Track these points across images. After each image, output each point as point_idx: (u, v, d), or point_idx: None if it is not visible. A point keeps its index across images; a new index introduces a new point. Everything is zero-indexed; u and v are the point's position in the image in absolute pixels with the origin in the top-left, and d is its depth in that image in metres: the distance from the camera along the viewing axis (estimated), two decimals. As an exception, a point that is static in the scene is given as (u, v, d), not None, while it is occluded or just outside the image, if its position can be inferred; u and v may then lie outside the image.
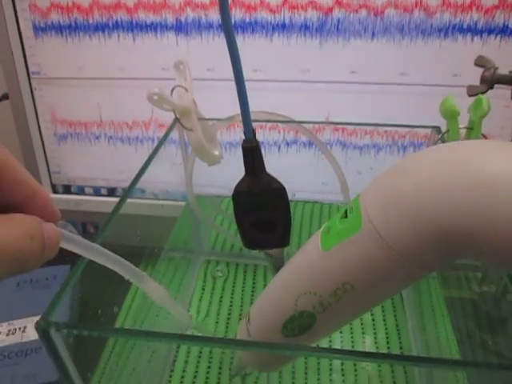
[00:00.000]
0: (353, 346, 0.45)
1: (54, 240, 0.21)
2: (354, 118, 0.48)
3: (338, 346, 0.45)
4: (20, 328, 0.46)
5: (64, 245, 0.22)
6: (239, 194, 0.31)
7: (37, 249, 0.19)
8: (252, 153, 0.30)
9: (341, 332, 0.46)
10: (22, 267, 0.19)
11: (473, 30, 0.45)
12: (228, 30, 0.26)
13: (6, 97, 0.57)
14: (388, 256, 0.21)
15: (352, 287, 0.23)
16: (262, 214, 0.31)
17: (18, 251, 0.18)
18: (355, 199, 0.23)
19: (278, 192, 0.31)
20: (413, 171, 0.21)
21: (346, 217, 0.22)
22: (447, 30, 0.45)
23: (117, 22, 0.48)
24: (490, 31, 0.45)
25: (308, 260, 0.25)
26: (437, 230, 0.20)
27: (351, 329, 0.47)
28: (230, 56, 0.27)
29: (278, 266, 0.34)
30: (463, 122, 0.38)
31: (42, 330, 0.24)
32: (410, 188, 0.20)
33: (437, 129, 0.43)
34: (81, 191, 0.58)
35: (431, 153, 0.21)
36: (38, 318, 0.46)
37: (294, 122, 0.42)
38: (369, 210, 0.21)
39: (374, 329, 0.47)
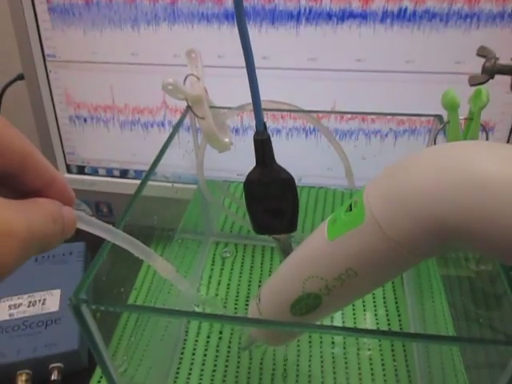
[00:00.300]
0: (355, 322, 0.48)
1: (72, 222, 0.23)
2: (360, 105, 0.49)
3: (339, 322, 0.48)
4: (40, 300, 0.49)
5: (80, 225, 0.24)
6: (250, 183, 0.33)
7: (58, 231, 0.21)
8: (263, 145, 0.32)
9: (342, 311, 0.49)
10: (45, 248, 0.20)
11: (476, 18, 0.46)
12: (242, 29, 0.28)
13: (21, 77, 0.59)
14: (388, 246, 0.23)
15: (355, 273, 0.25)
16: (272, 202, 0.33)
17: (43, 235, 0.20)
18: (359, 194, 0.25)
19: (286, 182, 0.33)
20: (412, 170, 0.22)
21: (351, 210, 0.25)
22: (450, 18, 0.46)
23: (130, 8, 0.49)
24: (493, 18, 0.46)
25: (315, 248, 0.27)
26: (434, 224, 0.22)
27: (353, 305, 0.49)
28: (244, 55, 0.29)
29: (285, 249, 0.36)
30: (464, 111, 0.40)
31: (74, 305, 0.27)
32: (410, 186, 0.22)
33: (439, 117, 0.44)
34: (94, 172, 0.60)
35: (430, 153, 0.23)
36: (56, 291, 0.50)
37: (301, 111, 0.44)
38: (371, 204, 0.23)
39: (375, 305, 0.49)
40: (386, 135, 0.51)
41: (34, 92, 0.56)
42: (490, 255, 0.23)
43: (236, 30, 0.28)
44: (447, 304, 0.43)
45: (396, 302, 0.50)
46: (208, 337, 0.46)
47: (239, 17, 0.28)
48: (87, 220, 0.25)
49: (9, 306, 0.48)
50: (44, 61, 0.54)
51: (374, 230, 0.23)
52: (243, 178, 0.34)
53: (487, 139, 0.38)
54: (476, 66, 0.38)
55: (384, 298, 0.51)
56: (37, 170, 0.21)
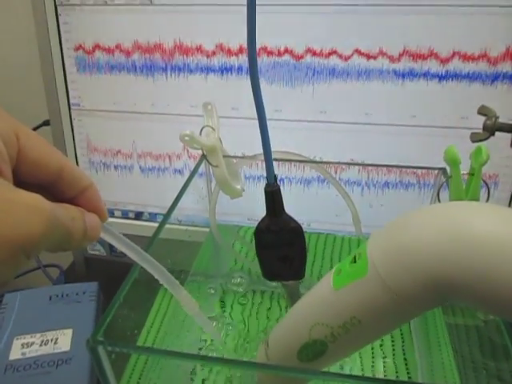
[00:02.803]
0: (362, 370, 0.47)
1: (95, 227, 0.25)
2: (367, 157, 0.51)
3: (347, 370, 0.47)
4: (52, 339, 0.49)
5: (105, 236, 0.26)
6: (261, 232, 0.35)
7: (78, 228, 0.23)
8: (273, 196, 0.34)
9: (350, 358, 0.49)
10: (65, 242, 0.23)
11: (479, 77, 0.48)
12: (256, 92, 0.30)
13: (47, 123, 0.63)
14: (390, 298, 0.24)
15: (359, 321, 0.26)
16: (281, 249, 0.35)
17: (63, 224, 0.22)
18: (363, 246, 0.26)
19: (295, 231, 0.34)
20: (411, 228, 0.24)
21: (355, 262, 0.26)
22: (456, 76, 0.48)
23: (150, 62, 0.53)
24: (496, 78, 0.48)
25: (321, 296, 0.29)
26: (431, 280, 0.23)
27: (361, 354, 0.49)
28: (258, 114, 0.31)
29: (292, 295, 0.37)
30: (468, 164, 0.41)
31: (91, 347, 0.28)
32: (408, 243, 0.24)
33: (443, 170, 0.46)
34: (110, 214, 0.62)
35: (427, 212, 0.25)
36: (68, 330, 0.51)
37: (310, 161, 0.46)
38: (374, 258, 0.25)
39: (383, 354, 0.49)
40: (393, 185, 0.52)
41: (58, 137, 0.59)
42: (490, 312, 0.24)
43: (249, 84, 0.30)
44: (452, 353, 0.43)
45: (404, 351, 0.50)
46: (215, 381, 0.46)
47: (253, 76, 0.30)
48: (113, 233, 0.27)
49: (21, 345, 0.49)
50: (69, 109, 0.58)
51: (377, 282, 0.25)
52: (253, 223, 0.35)
53: (488, 194, 0.39)
54: (480, 120, 0.40)
55: (393, 346, 0.50)
56: (71, 180, 0.25)
